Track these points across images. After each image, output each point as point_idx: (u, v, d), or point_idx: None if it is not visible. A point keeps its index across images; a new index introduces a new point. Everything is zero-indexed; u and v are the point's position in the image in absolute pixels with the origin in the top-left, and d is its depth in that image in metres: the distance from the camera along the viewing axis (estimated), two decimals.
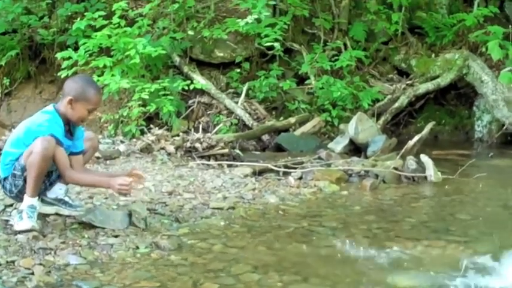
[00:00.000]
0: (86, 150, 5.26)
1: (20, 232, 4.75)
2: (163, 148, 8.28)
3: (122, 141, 8.78)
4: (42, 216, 5.16)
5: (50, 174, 5.00)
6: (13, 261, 4.31)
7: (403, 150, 8.26)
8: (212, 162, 8.03)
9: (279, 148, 9.72)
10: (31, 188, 4.81)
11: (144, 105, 9.80)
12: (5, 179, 4.98)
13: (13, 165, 4.89)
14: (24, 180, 4.85)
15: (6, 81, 11.47)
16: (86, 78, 5.32)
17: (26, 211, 4.82)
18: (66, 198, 5.25)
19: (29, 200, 4.83)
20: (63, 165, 4.88)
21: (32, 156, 4.71)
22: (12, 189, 4.97)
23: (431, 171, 7.62)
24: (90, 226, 5.06)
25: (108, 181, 5.00)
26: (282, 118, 10.64)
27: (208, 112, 10.80)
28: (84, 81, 5.11)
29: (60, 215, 5.22)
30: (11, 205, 5.20)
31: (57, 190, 5.20)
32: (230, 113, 10.62)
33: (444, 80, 11.37)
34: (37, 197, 4.89)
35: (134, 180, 5.02)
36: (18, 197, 4.99)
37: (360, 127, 9.06)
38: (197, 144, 8.30)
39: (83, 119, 5.01)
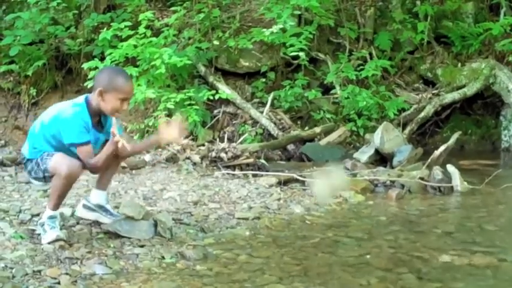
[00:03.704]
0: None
1: (48, 243, 4.78)
2: (188, 158, 8.30)
3: (147, 151, 8.80)
4: (69, 226, 5.20)
5: None
6: (39, 271, 4.34)
7: (429, 160, 8.22)
8: (237, 172, 8.03)
9: (304, 158, 9.71)
10: (53, 203, 4.85)
11: (169, 115, 9.82)
12: (29, 160, 4.97)
13: (40, 154, 4.87)
14: (44, 178, 4.89)
15: (33, 91, 11.53)
16: (114, 68, 5.28)
17: (47, 223, 4.86)
18: (108, 206, 5.29)
19: (49, 212, 4.86)
20: (88, 162, 4.84)
21: (57, 180, 4.74)
22: (31, 172, 4.97)
23: (458, 182, 7.58)
24: (116, 236, 5.08)
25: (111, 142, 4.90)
26: (307, 128, 10.62)
27: (234, 122, 10.81)
28: (113, 71, 5.08)
29: (85, 224, 5.26)
30: (38, 214, 5.23)
31: (98, 196, 5.22)
32: (255, 122, 10.62)
33: (470, 90, 11.31)
34: (58, 210, 4.92)
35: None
36: (34, 179, 5.04)
37: (386, 137, 9.02)
38: (222, 154, 8.30)
39: (117, 110, 4.83)
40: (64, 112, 4.81)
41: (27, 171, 5.07)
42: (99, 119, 4.99)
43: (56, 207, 4.87)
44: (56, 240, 4.78)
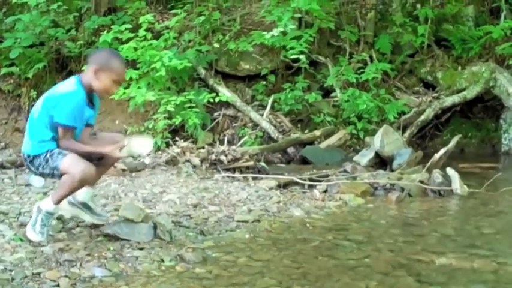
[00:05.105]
0: None
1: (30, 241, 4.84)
2: (188, 160, 8.30)
3: (147, 154, 8.80)
4: (69, 228, 5.19)
5: None
6: (39, 273, 4.33)
7: (429, 163, 8.22)
8: (237, 174, 8.03)
9: (304, 161, 9.72)
10: (58, 198, 4.86)
11: (169, 118, 9.84)
12: (36, 156, 4.93)
13: (46, 148, 4.87)
14: (51, 175, 4.90)
15: (33, 93, 11.54)
16: (111, 50, 5.35)
17: (42, 216, 4.86)
18: (91, 204, 5.28)
19: (50, 205, 4.87)
20: (60, 139, 4.89)
21: (69, 180, 4.75)
22: (39, 167, 4.95)
23: (458, 185, 7.58)
24: (115, 238, 5.07)
25: (104, 149, 4.97)
26: (307, 131, 10.64)
27: (234, 124, 10.82)
28: (109, 52, 5.18)
29: (85, 226, 5.26)
30: None
31: (84, 194, 5.22)
32: (255, 125, 10.63)
33: (470, 93, 11.32)
34: (59, 205, 4.93)
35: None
36: (42, 176, 5.14)
37: (386, 140, 9.02)
38: (222, 157, 8.31)
39: (107, 91, 4.98)
40: (59, 91, 4.89)
41: (34, 168, 5.00)
42: (90, 97, 5.03)
43: (59, 201, 4.88)
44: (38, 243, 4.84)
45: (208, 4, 11.43)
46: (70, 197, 5.22)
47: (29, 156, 5.01)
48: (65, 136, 4.85)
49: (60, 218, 5.23)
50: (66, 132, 4.84)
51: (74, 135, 4.90)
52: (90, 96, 5.04)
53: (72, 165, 4.74)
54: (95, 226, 5.29)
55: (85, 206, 5.27)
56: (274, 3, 11.12)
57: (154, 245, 5.05)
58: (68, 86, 4.91)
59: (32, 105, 11.30)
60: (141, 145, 5.07)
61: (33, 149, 4.95)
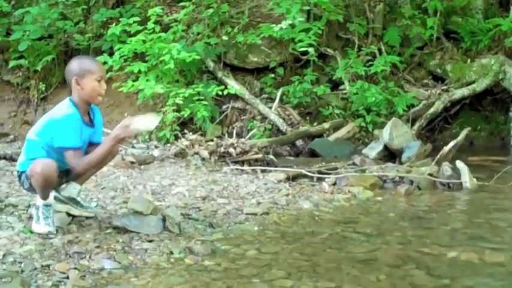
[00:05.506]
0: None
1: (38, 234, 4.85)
2: (197, 153, 8.30)
3: (156, 146, 8.83)
4: (78, 221, 5.20)
5: (69, 173, 5.06)
6: (48, 266, 4.33)
7: (438, 156, 8.20)
8: (246, 167, 8.03)
9: (313, 153, 9.71)
10: (41, 196, 4.91)
11: (178, 110, 9.84)
12: (22, 173, 4.99)
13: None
14: (30, 185, 4.92)
15: (42, 86, 11.58)
16: (76, 57, 5.29)
17: (42, 210, 4.89)
18: (79, 199, 5.30)
19: (41, 201, 4.91)
20: (71, 164, 4.83)
21: (34, 179, 4.79)
22: (23, 183, 5.02)
23: (467, 178, 7.55)
24: (124, 230, 5.07)
25: (111, 137, 4.79)
26: (316, 123, 10.63)
27: (242, 117, 10.82)
28: (77, 58, 5.11)
29: (94, 218, 5.26)
30: None
31: (72, 189, 5.23)
32: (264, 118, 10.63)
33: (480, 86, 11.29)
34: (49, 199, 4.95)
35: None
36: (26, 190, 5.16)
37: (395, 133, 9.01)
38: (231, 150, 8.31)
39: (97, 92, 4.88)
40: (55, 115, 4.86)
41: (21, 184, 5.10)
42: (89, 116, 5.02)
43: (46, 197, 4.92)
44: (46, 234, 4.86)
45: None
46: (56, 194, 5.20)
47: (17, 172, 5.10)
48: (75, 158, 4.80)
49: (67, 214, 5.24)
50: (74, 154, 4.79)
51: (81, 154, 4.88)
52: (89, 115, 5.02)
53: (33, 167, 4.78)
54: (104, 218, 5.30)
55: (73, 201, 5.27)
56: None
57: (163, 238, 5.05)
58: (63, 108, 4.87)
59: (41, 98, 11.58)
60: (146, 121, 4.93)
61: (22, 165, 5.00)
